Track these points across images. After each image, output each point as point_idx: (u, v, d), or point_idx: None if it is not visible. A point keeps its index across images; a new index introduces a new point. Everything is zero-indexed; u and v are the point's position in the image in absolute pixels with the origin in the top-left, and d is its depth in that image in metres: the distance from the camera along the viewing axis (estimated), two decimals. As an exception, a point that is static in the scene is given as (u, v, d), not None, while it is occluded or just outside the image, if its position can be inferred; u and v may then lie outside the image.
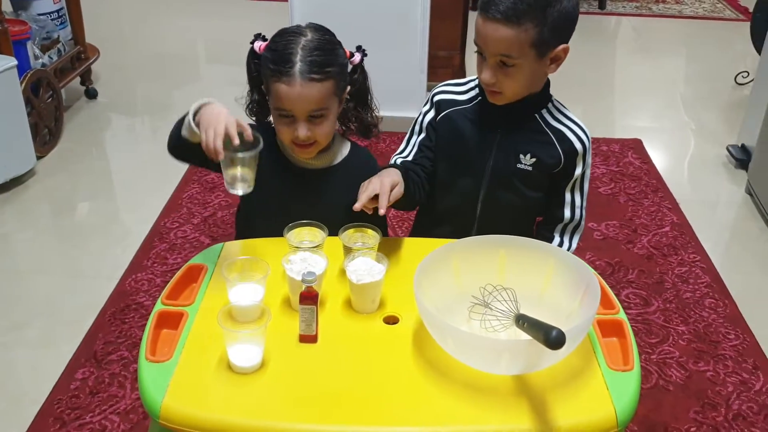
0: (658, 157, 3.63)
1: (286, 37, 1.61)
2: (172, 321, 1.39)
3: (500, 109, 1.67)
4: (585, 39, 5.21)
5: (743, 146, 3.55)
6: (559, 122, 1.69)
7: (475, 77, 1.74)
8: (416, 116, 1.82)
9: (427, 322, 1.30)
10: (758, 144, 3.25)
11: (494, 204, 1.74)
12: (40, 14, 3.70)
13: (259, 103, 1.74)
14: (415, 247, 1.63)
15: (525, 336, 1.21)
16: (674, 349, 2.37)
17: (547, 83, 1.70)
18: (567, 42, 1.60)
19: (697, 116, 4.16)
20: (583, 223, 1.78)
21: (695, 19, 5.83)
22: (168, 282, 1.50)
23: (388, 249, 1.51)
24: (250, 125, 1.47)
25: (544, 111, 1.70)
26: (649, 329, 2.44)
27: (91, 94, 4.05)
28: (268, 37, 1.66)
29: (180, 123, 1.53)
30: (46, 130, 3.45)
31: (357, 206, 1.49)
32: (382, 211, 1.49)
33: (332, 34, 1.65)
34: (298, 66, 1.56)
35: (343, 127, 1.77)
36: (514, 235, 1.45)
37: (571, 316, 1.34)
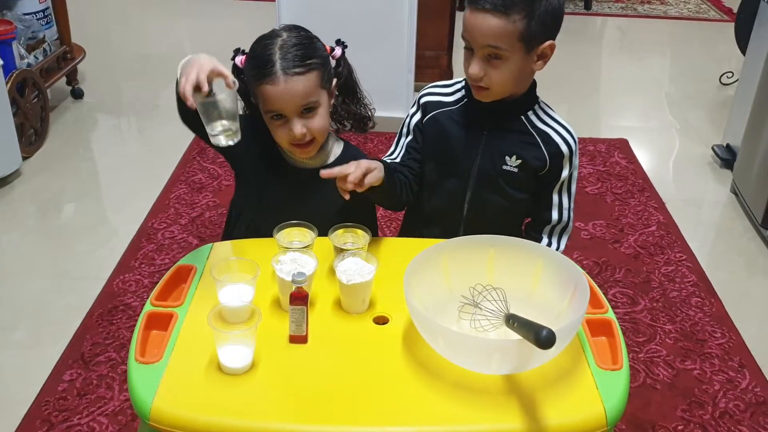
0: (644, 157, 3.65)
1: (262, 42, 1.61)
2: (161, 322, 1.38)
3: (486, 111, 1.68)
4: (571, 39, 5.23)
5: (728, 146, 3.58)
6: (545, 124, 1.70)
7: (461, 79, 1.75)
8: (404, 117, 1.82)
9: (417, 323, 1.30)
10: (743, 144, 3.28)
11: (481, 205, 1.74)
12: (25, 14, 3.68)
13: (254, 117, 1.73)
14: (404, 247, 1.64)
15: (515, 336, 1.22)
16: (661, 347, 2.38)
17: (534, 85, 1.70)
18: (554, 39, 1.61)
19: (683, 116, 4.19)
20: (571, 224, 1.79)
21: (680, 19, 5.86)
22: (156, 283, 1.50)
23: (377, 249, 1.51)
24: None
25: (530, 113, 1.70)
26: (637, 328, 2.46)
27: (77, 94, 4.03)
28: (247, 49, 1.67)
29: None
30: (31, 131, 3.43)
31: (324, 173, 1.50)
32: (349, 185, 1.48)
33: (307, 31, 1.65)
34: (278, 64, 1.56)
35: (338, 125, 1.77)
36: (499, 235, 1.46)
37: (560, 315, 1.35)
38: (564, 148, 1.69)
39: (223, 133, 1.46)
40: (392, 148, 1.83)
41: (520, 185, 1.71)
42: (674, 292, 2.66)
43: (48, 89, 3.62)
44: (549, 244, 1.77)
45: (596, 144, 3.71)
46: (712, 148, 3.65)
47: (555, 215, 1.76)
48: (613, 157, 3.60)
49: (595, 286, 1.48)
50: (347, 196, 1.52)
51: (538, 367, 1.27)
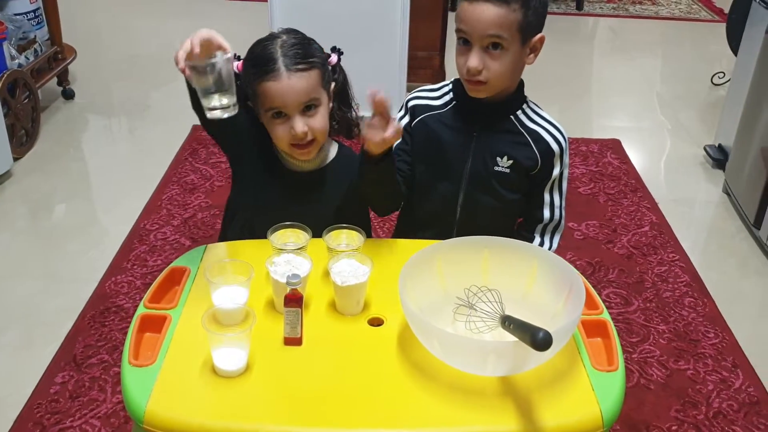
0: (636, 157, 3.65)
1: (261, 44, 1.62)
2: (155, 324, 1.37)
3: (476, 112, 1.68)
4: (562, 40, 5.24)
5: (720, 146, 3.59)
6: (534, 123, 1.70)
7: (448, 82, 1.75)
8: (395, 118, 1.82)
9: (412, 324, 1.30)
10: (735, 144, 3.29)
11: (473, 207, 1.74)
12: (16, 14, 3.65)
13: (253, 118, 1.72)
14: (399, 248, 1.63)
15: (511, 337, 1.21)
16: (655, 348, 2.38)
17: (521, 84, 1.71)
18: (541, 32, 1.63)
19: (675, 116, 4.20)
20: (563, 222, 1.79)
21: (671, 20, 5.88)
22: (148, 284, 1.49)
23: (372, 250, 1.50)
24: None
25: (519, 112, 1.70)
26: (630, 328, 2.46)
27: (68, 95, 4.01)
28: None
29: None
30: (22, 132, 3.41)
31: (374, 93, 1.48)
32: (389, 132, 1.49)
33: (304, 34, 1.66)
34: (281, 60, 1.57)
35: (331, 130, 1.77)
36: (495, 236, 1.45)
37: (556, 316, 1.35)
38: (554, 146, 1.69)
39: (219, 106, 1.43)
40: None
41: (513, 185, 1.71)
42: (667, 292, 2.66)
43: (39, 90, 3.61)
44: (541, 243, 1.78)
45: (589, 144, 3.72)
46: (704, 149, 3.66)
47: (547, 214, 1.76)
48: (605, 158, 3.60)
49: (590, 287, 1.48)
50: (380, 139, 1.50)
51: (534, 369, 1.27)
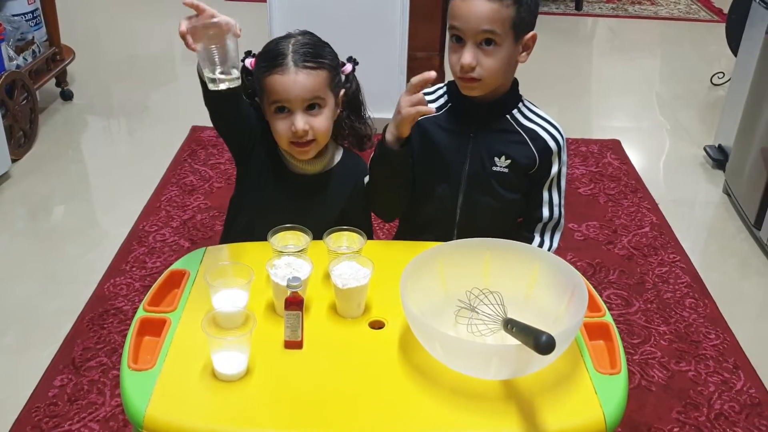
0: (636, 158, 3.64)
1: (275, 41, 1.64)
2: (154, 328, 1.36)
3: (472, 113, 1.68)
4: (562, 40, 5.23)
5: (720, 146, 3.58)
6: (531, 121, 1.69)
7: (442, 85, 1.75)
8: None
9: (414, 328, 1.29)
10: (735, 144, 3.28)
11: (473, 208, 1.73)
12: (14, 15, 3.65)
13: (262, 119, 1.72)
14: (400, 250, 1.63)
15: (513, 340, 1.20)
16: (656, 349, 2.38)
17: (516, 83, 1.70)
18: (534, 30, 1.63)
19: (674, 117, 4.19)
20: (562, 221, 1.78)
21: (671, 20, 5.87)
22: (147, 286, 1.48)
23: (373, 253, 1.49)
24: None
25: (515, 111, 1.70)
26: (631, 330, 2.45)
27: (67, 96, 4.00)
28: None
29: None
30: (20, 133, 3.40)
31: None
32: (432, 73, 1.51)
33: (320, 38, 1.68)
34: (291, 56, 1.59)
35: (339, 139, 1.78)
36: (495, 237, 1.45)
37: (558, 319, 1.34)
38: (552, 144, 1.68)
39: (225, 78, 1.43)
40: None
41: (512, 185, 1.71)
42: (668, 293, 2.65)
43: (37, 91, 3.60)
44: (541, 243, 1.77)
45: (589, 145, 3.71)
46: (704, 149, 3.66)
47: (546, 212, 1.75)
48: (605, 158, 3.59)
49: (593, 289, 1.47)
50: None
51: (536, 372, 1.26)
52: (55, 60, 3.85)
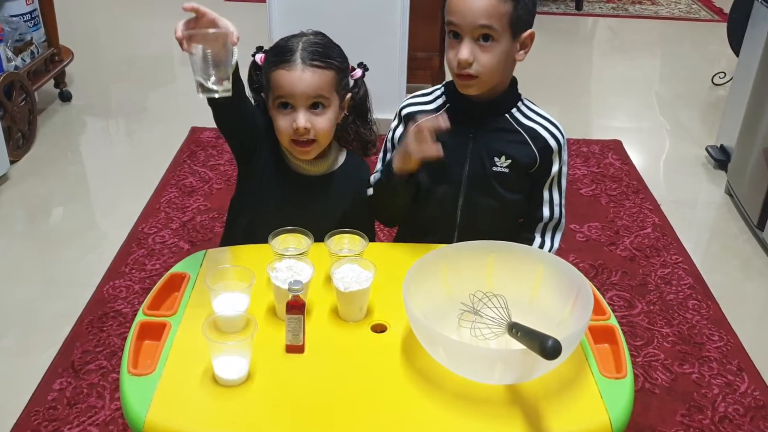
0: (638, 158, 3.63)
1: (287, 37, 1.64)
2: (154, 332, 1.35)
3: (471, 112, 1.66)
4: (562, 40, 5.22)
5: (722, 147, 3.57)
6: (531, 120, 1.68)
7: (439, 86, 1.74)
8: (390, 125, 1.80)
9: (417, 331, 1.27)
10: (737, 144, 3.27)
11: (474, 210, 1.72)
12: (12, 16, 3.63)
13: (264, 120, 1.71)
14: (402, 253, 1.61)
15: (517, 344, 1.19)
16: (659, 351, 2.36)
17: (514, 82, 1.69)
18: (532, 28, 1.62)
19: (675, 117, 4.18)
20: (563, 221, 1.77)
21: (671, 20, 5.86)
22: (147, 289, 1.47)
23: (375, 255, 1.48)
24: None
25: (514, 110, 1.68)
26: (634, 332, 2.44)
27: (65, 97, 3.98)
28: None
29: None
30: (19, 134, 3.38)
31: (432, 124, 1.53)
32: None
33: (331, 39, 1.68)
34: (299, 53, 1.58)
35: (344, 143, 1.76)
36: (496, 239, 1.44)
37: (563, 323, 1.32)
38: (552, 142, 1.67)
39: (213, 80, 1.40)
40: (378, 165, 1.81)
41: (512, 185, 1.69)
42: (671, 294, 2.64)
43: (36, 92, 3.58)
44: (542, 243, 1.75)
45: (590, 145, 3.69)
46: (706, 149, 3.64)
47: (546, 212, 1.73)
48: (606, 159, 3.58)
49: (597, 292, 1.45)
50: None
51: (541, 377, 1.24)
52: (53, 61, 3.84)
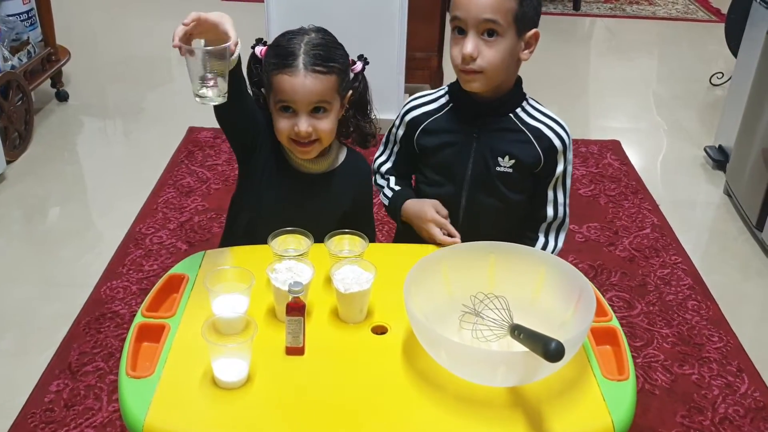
0: (636, 159, 3.62)
1: (288, 35, 1.61)
2: (153, 334, 1.34)
3: (474, 112, 1.66)
4: (560, 40, 5.21)
5: (720, 147, 3.56)
6: (535, 120, 1.67)
7: (443, 87, 1.74)
8: (394, 118, 1.80)
9: (418, 333, 1.26)
10: (736, 145, 3.26)
11: (476, 210, 1.71)
12: (9, 15, 3.61)
13: (266, 117, 1.70)
14: (402, 254, 1.60)
15: (519, 346, 1.18)
16: (659, 352, 2.35)
17: (519, 81, 1.68)
18: (537, 28, 1.62)
19: (674, 117, 4.17)
20: (567, 221, 1.76)
21: (668, 20, 5.86)
22: (144, 290, 1.46)
23: (375, 256, 1.47)
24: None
25: (518, 110, 1.67)
26: (633, 333, 2.43)
27: (62, 97, 3.97)
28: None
29: None
30: (15, 134, 3.37)
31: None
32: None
33: (334, 36, 1.65)
34: (301, 58, 1.55)
35: (343, 137, 1.75)
36: (498, 240, 1.43)
37: (564, 324, 1.31)
38: (557, 142, 1.66)
39: (209, 88, 1.40)
40: (381, 149, 1.83)
41: (516, 186, 1.68)
42: (670, 295, 2.63)
43: (32, 92, 3.56)
44: (546, 243, 1.74)
45: (589, 146, 3.69)
46: (705, 150, 3.64)
47: (550, 212, 1.73)
48: (605, 159, 3.57)
49: (599, 293, 1.44)
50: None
51: (543, 379, 1.24)
52: (50, 60, 3.82)
